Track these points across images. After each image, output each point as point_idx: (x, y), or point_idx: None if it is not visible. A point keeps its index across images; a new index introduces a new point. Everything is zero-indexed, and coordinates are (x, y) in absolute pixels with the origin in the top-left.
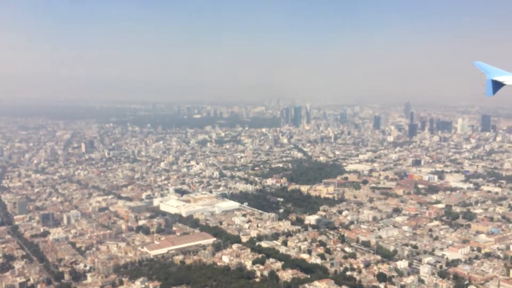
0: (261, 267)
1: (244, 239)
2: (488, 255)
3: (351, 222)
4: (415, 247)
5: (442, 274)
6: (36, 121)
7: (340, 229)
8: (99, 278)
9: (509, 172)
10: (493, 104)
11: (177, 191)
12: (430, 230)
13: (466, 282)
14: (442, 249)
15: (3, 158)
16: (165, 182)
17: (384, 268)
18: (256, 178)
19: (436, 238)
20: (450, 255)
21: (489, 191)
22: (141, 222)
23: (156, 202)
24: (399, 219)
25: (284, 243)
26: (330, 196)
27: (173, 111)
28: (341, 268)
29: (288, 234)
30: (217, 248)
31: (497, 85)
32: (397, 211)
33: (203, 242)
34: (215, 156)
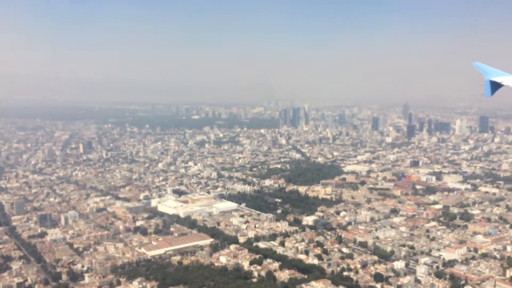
0: (258, 267)
1: (242, 239)
2: (484, 256)
3: (349, 223)
4: (412, 247)
5: (439, 275)
6: (35, 122)
7: (338, 230)
8: (97, 278)
9: (506, 173)
10: (491, 105)
11: (175, 191)
12: (428, 230)
13: (463, 282)
14: (439, 249)
15: (1, 159)
16: (163, 182)
17: (381, 268)
18: (254, 179)
19: (433, 239)
20: (447, 255)
21: (486, 192)
22: (138, 223)
23: (154, 202)
24: (396, 219)
25: (282, 244)
26: (328, 197)
27: (171, 112)
28: (338, 269)
29: (286, 234)
30: (214, 248)
31: (495, 86)
32: (394, 211)
33: (200, 242)
34: (213, 157)
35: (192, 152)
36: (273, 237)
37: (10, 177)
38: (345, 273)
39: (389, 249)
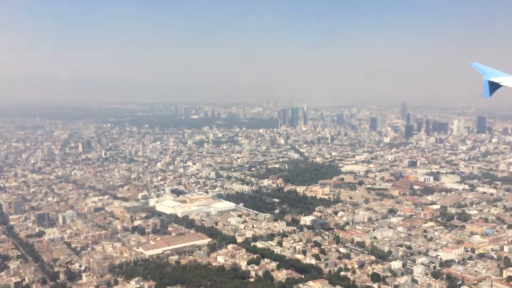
0: (256, 267)
1: (240, 239)
2: (481, 256)
3: (347, 223)
4: (409, 247)
5: (436, 275)
6: (34, 121)
7: (335, 230)
8: (94, 278)
9: (504, 173)
10: (489, 105)
11: (173, 191)
12: (425, 231)
13: (459, 282)
14: (436, 249)
15: (0, 158)
16: (162, 182)
17: (378, 268)
18: (253, 179)
19: (431, 239)
20: (444, 255)
21: (484, 193)
22: (136, 223)
23: (152, 202)
24: (394, 220)
25: (279, 244)
26: (326, 197)
27: (171, 111)
28: (336, 269)
29: (283, 234)
30: (212, 248)
31: (494, 87)
32: (392, 212)
33: (198, 242)
34: (212, 156)
35: (191, 152)
36: (270, 237)
37: (9, 176)
38: (342, 273)
39: (386, 249)
